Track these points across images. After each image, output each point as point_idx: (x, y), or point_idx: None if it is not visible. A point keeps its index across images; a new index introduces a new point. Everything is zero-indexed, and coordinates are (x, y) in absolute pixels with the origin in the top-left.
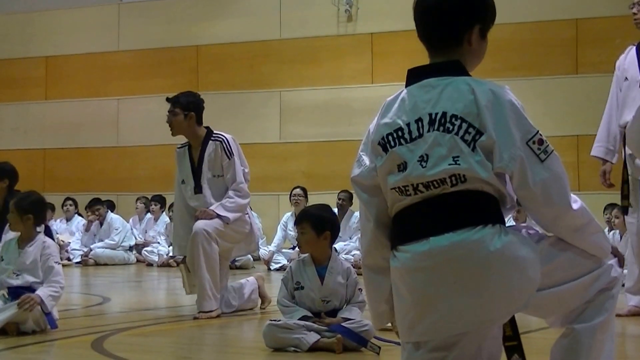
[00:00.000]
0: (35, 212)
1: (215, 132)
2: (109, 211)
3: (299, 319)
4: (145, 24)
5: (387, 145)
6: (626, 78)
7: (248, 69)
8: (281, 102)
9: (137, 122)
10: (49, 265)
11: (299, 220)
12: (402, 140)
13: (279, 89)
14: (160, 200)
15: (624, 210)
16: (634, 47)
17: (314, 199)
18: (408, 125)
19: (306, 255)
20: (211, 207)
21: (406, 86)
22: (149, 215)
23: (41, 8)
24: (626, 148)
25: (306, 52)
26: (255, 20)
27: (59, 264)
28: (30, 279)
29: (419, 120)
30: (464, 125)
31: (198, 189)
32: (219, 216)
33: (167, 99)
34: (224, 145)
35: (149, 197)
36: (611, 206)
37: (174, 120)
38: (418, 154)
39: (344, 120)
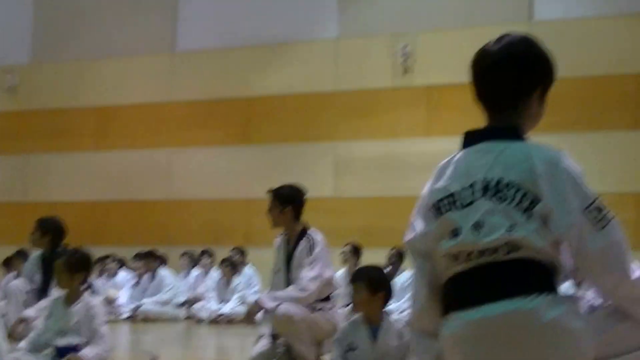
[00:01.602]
0: (85, 270)
1: (310, 230)
2: (160, 266)
3: None
4: (198, 74)
5: (440, 211)
6: None
7: (301, 121)
8: (335, 156)
9: (188, 174)
10: (94, 327)
11: (354, 279)
12: (455, 206)
13: (333, 142)
14: (210, 254)
15: None
16: None
17: (368, 256)
18: (462, 190)
19: (358, 315)
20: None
21: (462, 148)
22: (195, 270)
23: (92, 57)
24: None
25: (361, 104)
26: (310, 71)
27: (105, 325)
28: (75, 339)
29: (472, 185)
30: (519, 193)
31: (288, 282)
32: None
33: (270, 190)
34: (310, 244)
35: (195, 252)
36: None
37: (271, 212)
38: (472, 220)
39: (399, 174)
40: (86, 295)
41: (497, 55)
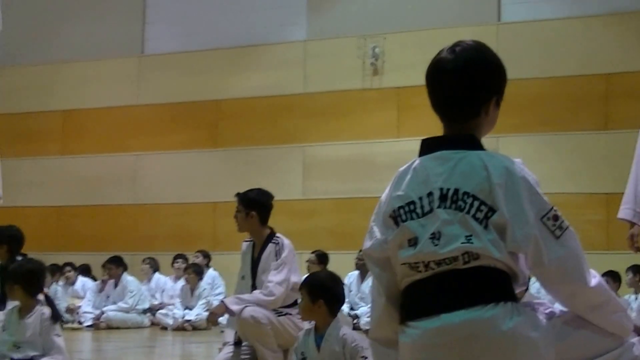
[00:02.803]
0: (24, 283)
1: (276, 235)
2: (124, 272)
3: None
4: (166, 77)
5: (399, 219)
6: None
7: (270, 124)
8: (304, 158)
9: (155, 178)
10: (50, 339)
11: (300, 286)
12: (413, 215)
13: (302, 144)
14: (184, 259)
15: None
16: None
17: (337, 258)
18: (420, 199)
19: (312, 323)
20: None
21: (419, 156)
22: (157, 275)
23: (59, 61)
24: None
25: (331, 106)
26: (278, 73)
27: (60, 336)
28: (30, 352)
29: (430, 194)
30: (476, 203)
31: (253, 288)
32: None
33: (236, 194)
34: (277, 249)
35: (157, 258)
36: (633, 268)
37: (237, 216)
38: (430, 230)
39: (369, 175)
40: (39, 307)
41: (452, 64)
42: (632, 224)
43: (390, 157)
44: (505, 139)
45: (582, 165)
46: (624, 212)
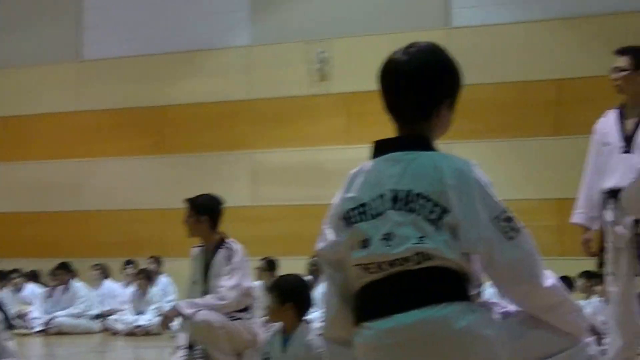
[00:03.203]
0: None
1: (227, 240)
2: (72, 278)
3: None
4: (107, 83)
5: (350, 221)
6: (606, 143)
7: (216, 130)
8: (252, 164)
9: (100, 185)
10: (1, 343)
11: (269, 289)
12: (365, 216)
13: (250, 151)
14: (134, 264)
15: (601, 278)
16: (614, 111)
17: (287, 265)
18: (372, 201)
19: (279, 325)
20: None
21: (372, 157)
22: (107, 281)
23: None
24: (606, 215)
25: (277, 112)
26: (223, 79)
27: (10, 340)
28: None
29: (382, 196)
30: (429, 205)
31: (205, 293)
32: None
33: (187, 200)
34: (229, 253)
35: (105, 264)
36: (585, 273)
37: (188, 222)
38: (382, 231)
39: (318, 182)
40: None
41: (406, 66)
42: (586, 229)
43: (339, 164)
44: (456, 145)
45: (533, 171)
46: (578, 216)
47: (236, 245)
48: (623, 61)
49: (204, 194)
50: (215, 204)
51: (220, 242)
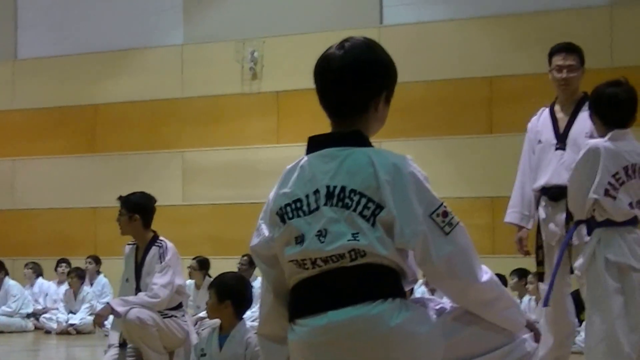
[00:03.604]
0: None
1: (160, 238)
2: (6, 276)
3: None
4: (41, 82)
5: (285, 217)
6: (540, 141)
7: (148, 129)
8: (183, 163)
9: (33, 184)
10: None
11: (209, 286)
12: (300, 212)
13: (181, 150)
14: (68, 263)
15: (539, 276)
16: (547, 109)
17: (218, 264)
18: (307, 197)
19: (216, 322)
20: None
21: (307, 153)
22: (40, 280)
23: None
24: (539, 212)
25: (209, 111)
26: (155, 78)
27: None
28: None
29: (316, 192)
30: (363, 201)
31: (138, 291)
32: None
33: (119, 198)
34: (161, 252)
35: (39, 262)
36: (517, 271)
37: (120, 220)
38: (316, 228)
39: (249, 182)
40: None
41: (341, 61)
42: (520, 228)
43: (270, 163)
44: (388, 144)
45: (466, 169)
46: (511, 215)
47: (168, 243)
48: (574, 59)
49: (137, 193)
50: (147, 202)
51: (153, 240)
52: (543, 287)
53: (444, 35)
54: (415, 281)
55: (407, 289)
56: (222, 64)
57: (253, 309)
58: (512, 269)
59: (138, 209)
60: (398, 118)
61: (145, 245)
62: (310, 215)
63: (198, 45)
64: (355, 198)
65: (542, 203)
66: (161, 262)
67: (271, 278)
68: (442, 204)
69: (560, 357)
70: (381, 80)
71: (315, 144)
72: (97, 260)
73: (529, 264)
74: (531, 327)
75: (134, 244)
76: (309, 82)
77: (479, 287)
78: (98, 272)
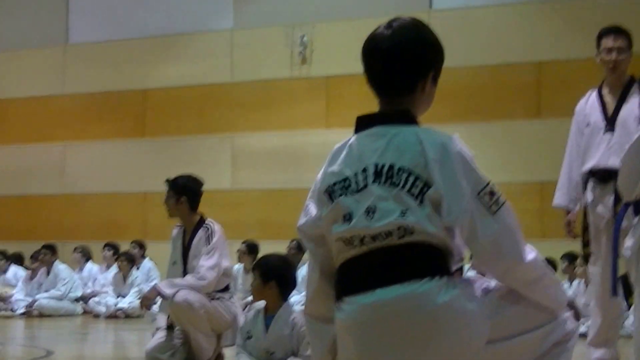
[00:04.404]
0: None
1: (207, 220)
2: (56, 260)
3: None
4: (92, 66)
5: (333, 195)
6: (588, 124)
7: (198, 113)
8: (233, 148)
9: (83, 168)
10: None
11: (253, 267)
12: (348, 191)
13: (231, 134)
14: (113, 247)
15: (585, 259)
16: (595, 92)
17: (266, 249)
18: (355, 175)
19: (262, 304)
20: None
21: (355, 132)
22: (89, 264)
23: None
24: (587, 195)
25: (259, 96)
26: (206, 62)
27: None
28: None
29: (365, 170)
30: (411, 179)
31: (185, 274)
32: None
33: (166, 180)
34: (208, 234)
35: (87, 246)
36: (568, 255)
37: (168, 202)
38: (364, 205)
39: (298, 166)
40: None
41: (389, 40)
42: (568, 211)
43: (319, 147)
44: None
45: (515, 154)
46: (559, 199)
47: (215, 226)
48: (622, 41)
49: (184, 175)
50: (194, 184)
51: (200, 223)
52: (591, 269)
53: (492, 19)
54: (461, 260)
55: (454, 268)
56: (271, 49)
57: (301, 293)
58: (562, 252)
59: (185, 191)
60: (447, 103)
61: (192, 227)
62: (359, 193)
63: (248, 30)
64: (404, 176)
65: (590, 185)
66: (208, 245)
67: (318, 257)
68: (488, 183)
69: (609, 338)
70: (428, 60)
71: (363, 123)
72: (141, 245)
73: (579, 247)
74: (572, 305)
75: (181, 226)
76: (358, 67)
77: (525, 266)
78: (143, 257)
